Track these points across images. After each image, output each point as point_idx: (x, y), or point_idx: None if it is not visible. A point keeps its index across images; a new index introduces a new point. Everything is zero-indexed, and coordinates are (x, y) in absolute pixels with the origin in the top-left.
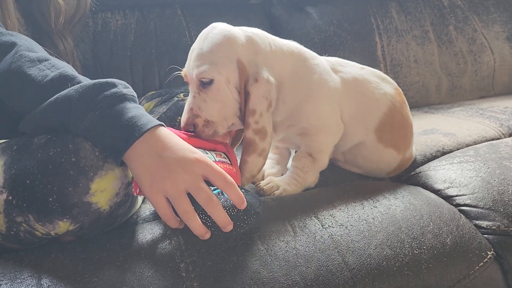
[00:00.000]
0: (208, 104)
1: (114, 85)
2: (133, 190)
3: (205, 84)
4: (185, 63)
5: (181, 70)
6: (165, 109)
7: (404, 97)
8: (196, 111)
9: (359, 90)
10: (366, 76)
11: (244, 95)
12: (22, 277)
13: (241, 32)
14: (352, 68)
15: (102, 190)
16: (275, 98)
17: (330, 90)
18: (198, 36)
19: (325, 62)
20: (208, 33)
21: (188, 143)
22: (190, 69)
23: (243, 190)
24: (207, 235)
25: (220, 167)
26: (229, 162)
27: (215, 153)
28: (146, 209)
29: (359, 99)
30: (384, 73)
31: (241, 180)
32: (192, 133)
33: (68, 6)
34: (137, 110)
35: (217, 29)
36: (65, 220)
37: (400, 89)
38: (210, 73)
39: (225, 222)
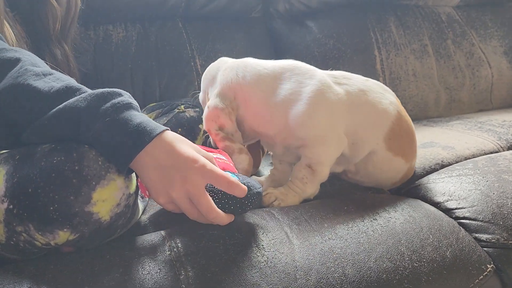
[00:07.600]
0: None
1: (120, 94)
2: (142, 193)
3: None
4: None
5: None
6: (165, 121)
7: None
8: None
9: (367, 100)
10: (372, 87)
11: None
12: None
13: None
14: (357, 80)
15: (104, 200)
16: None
17: (329, 102)
18: None
19: (326, 76)
20: None
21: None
22: None
23: (241, 177)
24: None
25: (219, 161)
26: (225, 159)
27: (214, 155)
28: (146, 220)
29: (368, 109)
30: None
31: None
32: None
33: (60, 7)
34: (144, 117)
35: None
36: (65, 229)
37: (398, 100)
38: None
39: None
